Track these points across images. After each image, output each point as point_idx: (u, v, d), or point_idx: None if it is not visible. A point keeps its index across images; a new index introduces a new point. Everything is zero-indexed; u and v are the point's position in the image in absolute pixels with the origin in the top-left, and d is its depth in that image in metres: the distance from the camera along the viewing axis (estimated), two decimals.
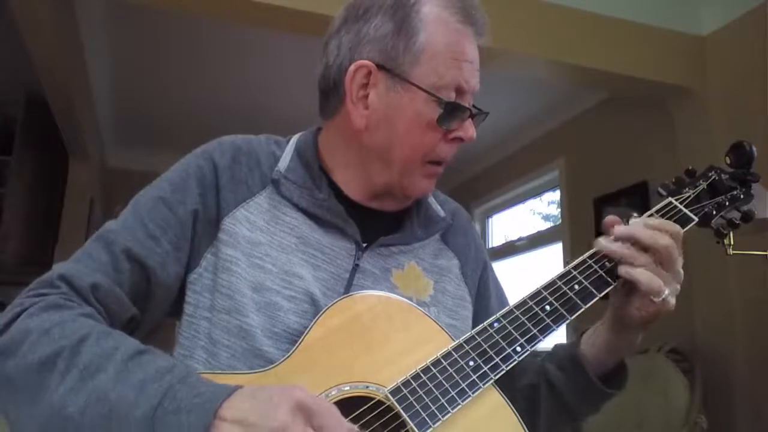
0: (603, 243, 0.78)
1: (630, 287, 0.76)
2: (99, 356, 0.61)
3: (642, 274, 0.74)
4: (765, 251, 1.40)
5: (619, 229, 0.77)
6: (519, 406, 0.84)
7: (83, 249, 0.75)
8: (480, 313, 0.91)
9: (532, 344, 0.73)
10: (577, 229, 3.48)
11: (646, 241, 0.75)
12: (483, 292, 0.94)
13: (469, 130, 0.81)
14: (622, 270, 0.76)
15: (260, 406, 0.56)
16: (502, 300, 0.96)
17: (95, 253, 0.73)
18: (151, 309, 0.76)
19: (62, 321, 0.64)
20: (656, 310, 0.75)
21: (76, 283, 0.69)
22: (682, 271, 0.77)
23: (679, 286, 0.77)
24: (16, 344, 0.63)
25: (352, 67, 0.79)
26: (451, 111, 0.78)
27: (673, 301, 0.75)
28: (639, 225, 0.77)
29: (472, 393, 0.69)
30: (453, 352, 0.72)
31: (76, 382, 0.59)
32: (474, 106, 0.82)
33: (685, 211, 0.85)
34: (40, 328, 0.63)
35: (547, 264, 3.87)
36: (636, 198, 3.05)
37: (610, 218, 0.81)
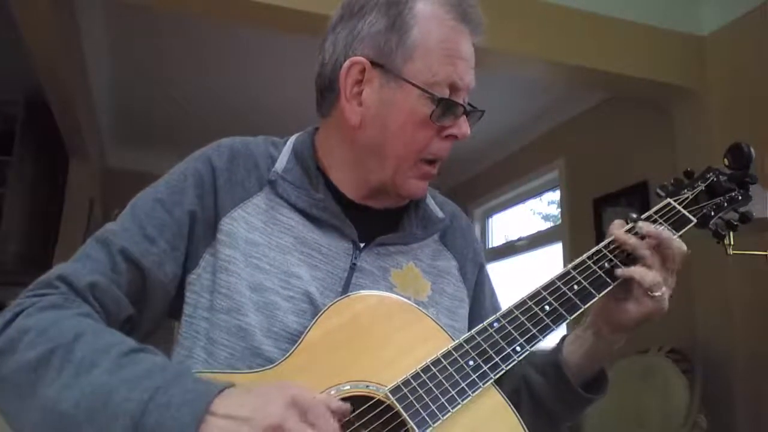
0: (619, 233, 0.80)
1: (627, 286, 0.77)
2: (94, 352, 0.62)
3: (640, 269, 0.75)
4: (765, 251, 1.40)
5: (646, 226, 0.79)
6: None
7: (82, 249, 0.75)
8: (474, 314, 0.91)
9: (532, 344, 0.73)
10: (577, 229, 3.48)
11: (666, 240, 0.77)
12: (477, 294, 0.94)
13: (462, 127, 0.81)
14: (618, 271, 0.77)
15: (254, 401, 0.57)
16: (495, 304, 0.96)
17: (93, 253, 0.74)
18: (149, 309, 0.77)
19: (59, 319, 0.65)
20: (652, 308, 0.76)
21: (74, 283, 0.70)
22: (675, 278, 0.79)
23: (670, 292, 0.78)
24: (13, 343, 0.64)
25: (346, 64, 0.80)
26: (445, 107, 0.78)
27: (666, 302, 0.76)
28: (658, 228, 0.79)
29: (472, 392, 0.69)
30: (453, 352, 0.72)
31: (70, 378, 0.60)
32: (469, 104, 0.82)
33: (684, 212, 0.85)
34: (37, 327, 0.64)
35: (547, 264, 3.87)
36: (636, 198, 3.05)
37: (617, 223, 0.82)
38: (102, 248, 0.74)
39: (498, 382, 0.72)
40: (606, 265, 0.78)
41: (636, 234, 0.80)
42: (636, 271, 0.76)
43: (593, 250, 0.80)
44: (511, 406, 0.72)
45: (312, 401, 0.58)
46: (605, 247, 0.80)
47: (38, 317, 0.65)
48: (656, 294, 0.75)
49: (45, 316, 0.65)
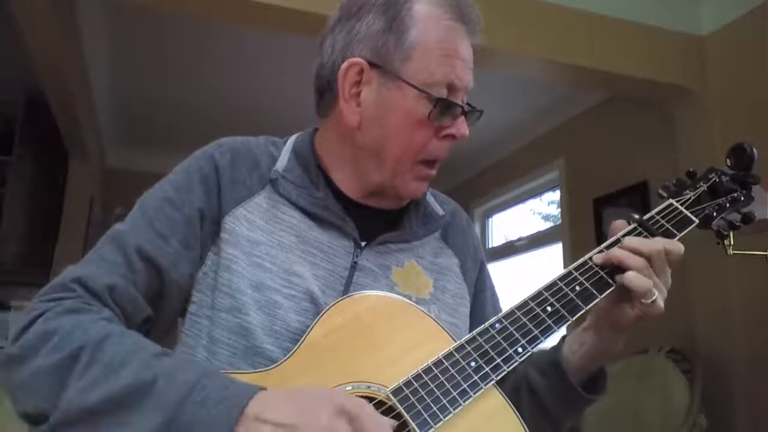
0: (599, 256, 0.79)
1: (622, 290, 0.77)
2: (123, 353, 0.62)
3: (632, 276, 0.75)
4: (765, 251, 1.40)
5: (628, 243, 0.78)
6: None
7: (95, 251, 0.75)
8: (475, 312, 0.91)
9: (534, 345, 0.73)
10: (577, 229, 3.48)
11: (642, 248, 0.76)
12: (478, 292, 0.94)
13: (461, 127, 0.81)
14: (617, 276, 0.76)
15: (301, 408, 0.57)
16: (495, 302, 0.96)
17: (108, 254, 0.73)
18: (165, 309, 0.77)
19: (82, 323, 0.64)
20: (646, 311, 0.76)
21: (91, 286, 0.69)
22: (670, 279, 0.78)
23: (666, 292, 0.77)
24: (35, 347, 0.63)
25: (344, 65, 0.80)
26: (443, 108, 0.78)
27: (661, 304, 0.76)
28: (634, 240, 0.78)
29: (474, 393, 0.69)
30: (455, 353, 0.72)
31: (99, 376, 0.60)
32: (468, 103, 0.82)
33: (686, 212, 0.85)
34: (62, 330, 0.63)
35: (547, 264, 3.87)
36: (636, 198, 3.05)
37: (618, 223, 0.82)
38: (117, 248, 0.73)
39: (499, 382, 0.72)
40: (608, 266, 0.78)
41: (639, 235, 0.80)
42: (626, 277, 0.75)
43: (595, 251, 0.80)
44: (513, 407, 0.72)
45: (360, 408, 0.58)
46: (607, 248, 0.80)
47: (60, 321, 0.65)
48: (647, 301, 0.74)
49: (67, 320, 0.65)
